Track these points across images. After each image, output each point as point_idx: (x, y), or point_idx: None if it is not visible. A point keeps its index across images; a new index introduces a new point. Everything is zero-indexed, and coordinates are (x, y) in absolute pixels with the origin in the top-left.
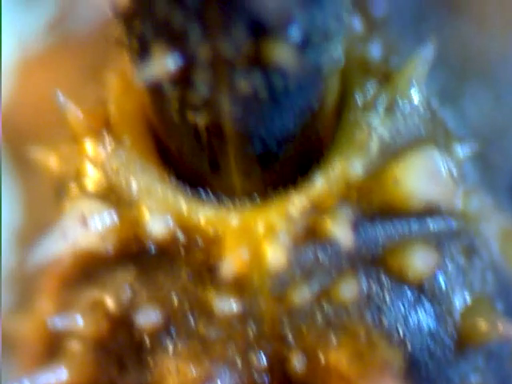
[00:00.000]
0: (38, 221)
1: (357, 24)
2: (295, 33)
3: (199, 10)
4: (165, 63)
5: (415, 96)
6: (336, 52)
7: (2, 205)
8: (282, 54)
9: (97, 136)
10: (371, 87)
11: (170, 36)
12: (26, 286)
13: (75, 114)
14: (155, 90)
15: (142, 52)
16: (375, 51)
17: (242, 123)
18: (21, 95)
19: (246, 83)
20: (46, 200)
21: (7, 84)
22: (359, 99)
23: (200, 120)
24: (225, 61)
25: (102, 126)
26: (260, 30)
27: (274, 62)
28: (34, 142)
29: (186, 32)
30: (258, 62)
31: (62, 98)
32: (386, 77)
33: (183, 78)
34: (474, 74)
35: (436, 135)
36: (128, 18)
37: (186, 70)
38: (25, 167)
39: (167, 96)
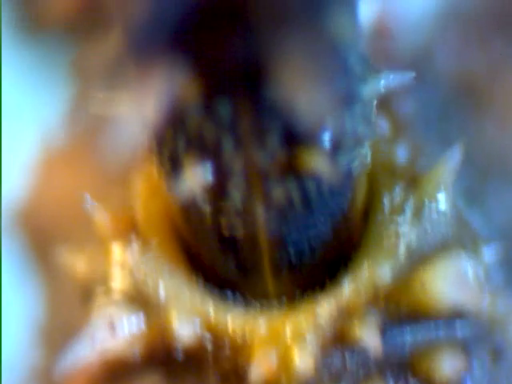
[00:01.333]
0: (64, 321)
1: (383, 126)
2: (328, 139)
3: (232, 121)
4: (198, 176)
5: (442, 199)
6: (365, 155)
7: (26, 300)
8: (316, 161)
9: (124, 239)
10: (398, 190)
11: (203, 148)
12: None
13: (102, 216)
14: (187, 202)
15: (174, 166)
16: (401, 153)
17: (275, 231)
18: (44, 192)
19: (280, 192)
20: (72, 300)
21: (29, 179)
22: (386, 202)
23: (233, 229)
24: (258, 170)
25: (129, 228)
26: (293, 139)
27: (307, 170)
28: (59, 241)
29: (219, 144)
30: (291, 171)
31: (88, 199)
32: (413, 180)
33: (217, 190)
34: (498, 173)
35: (462, 238)
36: (160, 134)
37: (220, 182)
38: (50, 266)
39: (200, 207)
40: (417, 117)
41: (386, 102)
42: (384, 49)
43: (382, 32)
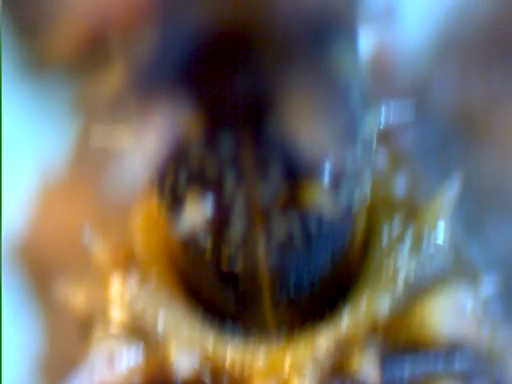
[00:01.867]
0: (63, 354)
1: (381, 157)
2: (329, 174)
3: (234, 156)
4: (199, 211)
5: (441, 230)
6: (365, 188)
7: (25, 333)
8: (317, 195)
9: (123, 271)
10: (397, 222)
11: (204, 183)
12: None
13: (101, 249)
14: (188, 236)
15: (175, 200)
16: (400, 184)
17: (276, 265)
18: (43, 225)
19: (281, 226)
20: (71, 333)
21: (28, 212)
22: (384, 235)
23: (233, 263)
24: (260, 206)
25: (128, 261)
26: (295, 173)
27: (308, 204)
28: (57, 274)
29: (221, 178)
30: (292, 205)
31: (87, 232)
32: (412, 211)
33: (217, 224)
34: (497, 204)
35: (461, 270)
36: (161, 168)
37: (221, 217)
38: (49, 298)
39: (200, 241)
40: (415, 148)
41: (384, 134)
42: (383, 82)
43: (380, 65)
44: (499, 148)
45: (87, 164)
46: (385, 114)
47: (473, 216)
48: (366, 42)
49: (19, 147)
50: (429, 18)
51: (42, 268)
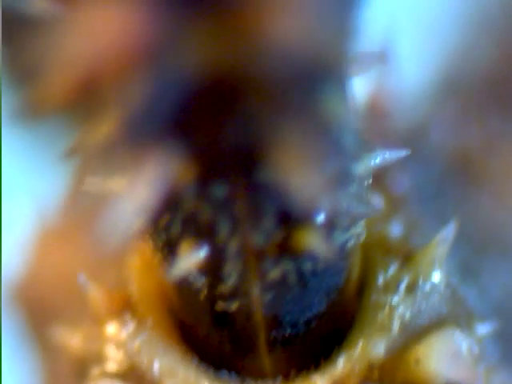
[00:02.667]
0: None
1: (377, 202)
2: (322, 219)
3: (227, 203)
4: (193, 257)
5: (436, 275)
6: (360, 232)
7: (22, 376)
8: (311, 240)
9: (118, 317)
10: (392, 266)
11: (198, 230)
12: None
13: (97, 295)
14: (182, 282)
15: (169, 247)
16: (396, 229)
17: (271, 309)
18: (39, 269)
19: (276, 271)
20: (67, 377)
21: (26, 256)
22: (380, 278)
23: (228, 308)
24: (254, 250)
25: (124, 306)
26: (288, 219)
27: (303, 249)
28: (55, 318)
29: (215, 226)
30: (287, 250)
31: (83, 278)
32: (407, 256)
33: (212, 271)
34: (494, 248)
35: (457, 314)
36: (155, 216)
37: (215, 263)
38: (46, 343)
39: (195, 286)
40: (412, 192)
41: (380, 178)
42: (379, 126)
43: (377, 109)
44: (497, 193)
45: (82, 209)
46: (380, 157)
47: (470, 260)
48: (363, 85)
49: (17, 191)
50: (427, 63)
51: (40, 312)
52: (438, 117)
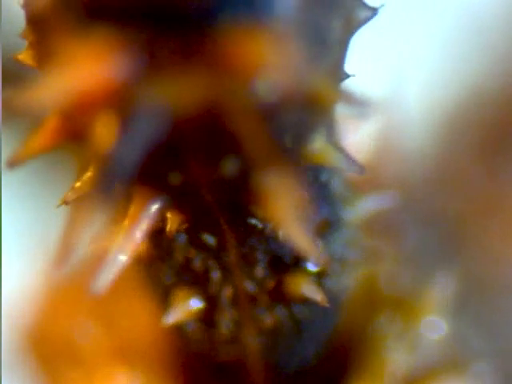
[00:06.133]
0: None
1: (378, 253)
2: (314, 265)
3: (219, 251)
4: (187, 307)
5: (432, 324)
6: (352, 278)
7: None
8: (303, 286)
9: (115, 364)
10: (387, 313)
11: (191, 280)
12: None
13: (93, 343)
14: (178, 329)
15: (162, 296)
16: (390, 277)
17: (266, 355)
18: (48, 323)
19: (270, 318)
20: None
21: (33, 309)
22: (375, 329)
23: (223, 355)
24: (247, 298)
25: (120, 353)
26: (280, 266)
27: (295, 295)
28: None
29: (207, 274)
30: (279, 297)
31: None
32: (404, 305)
33: (206, 319)
34: (478, 301)
35: (456, 361)
36: (147, 266)
37: (209, 311)
38: None
39: (190, 334)
40: (413, 244)
41: (381, 231)
42: (378, 173)
43: (378, 160)
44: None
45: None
46: (373, 204)
47: (469, 309)
48: (367, 130)
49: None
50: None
51: (50, 361)
52: (442, 171)
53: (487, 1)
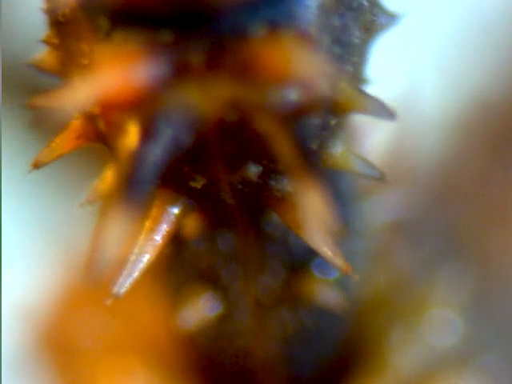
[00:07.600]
0: None
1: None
2: (328, 268)
3: (237, 255)
4: (203, 310)
5: (439, 325)
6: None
7: None
8: (315, 288)
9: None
10: (396, 319)
11: (209, 283)
12: None
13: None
14: (192, 330)
15: (176, 297)
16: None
17: (280, 361)
18: (66, 323)
19: (282, 318)
20: None
21: (50, 309)
22: (384, 329)
23: (238, 359)
24: (264, 303)
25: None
26: (298, 270)
27: (308, 297)
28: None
29: (226, 278)
30: (291, 299)
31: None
32: (410, 308)
33: (222, 322)
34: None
35: (461, 357)
36: (162, 267)
37: (226, 315)
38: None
39: (204, 337)
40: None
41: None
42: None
43: (393, 163)
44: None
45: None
46: (391, 212)
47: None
48: (379, 135)
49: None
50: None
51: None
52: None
53: (498, 4)
